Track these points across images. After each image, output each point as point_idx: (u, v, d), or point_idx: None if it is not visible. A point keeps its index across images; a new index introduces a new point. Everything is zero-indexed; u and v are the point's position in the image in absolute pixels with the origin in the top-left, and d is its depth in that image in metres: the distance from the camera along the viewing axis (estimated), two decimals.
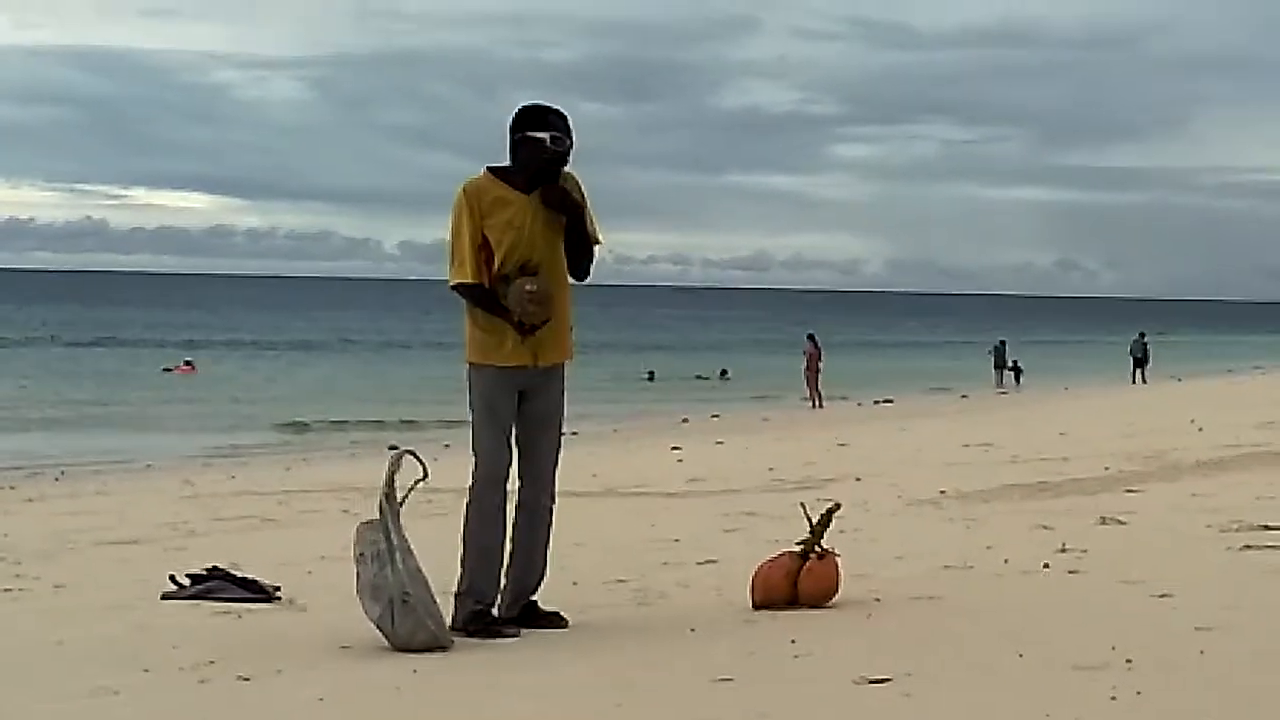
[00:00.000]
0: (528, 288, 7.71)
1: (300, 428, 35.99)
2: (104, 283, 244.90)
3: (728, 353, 74.97)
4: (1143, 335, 58.30)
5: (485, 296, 7.81)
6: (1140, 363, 56.21)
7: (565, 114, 7.93)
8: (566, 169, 7.93)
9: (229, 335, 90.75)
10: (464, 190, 7.82)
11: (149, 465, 26.69)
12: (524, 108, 7.91)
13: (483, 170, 7.91)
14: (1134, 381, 54.65)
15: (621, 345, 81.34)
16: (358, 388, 51.15)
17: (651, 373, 60.74)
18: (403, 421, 34.51)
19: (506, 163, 7.89)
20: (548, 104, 7.94)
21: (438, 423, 31.20)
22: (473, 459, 7.87)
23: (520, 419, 7.89)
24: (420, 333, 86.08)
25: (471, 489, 7.84)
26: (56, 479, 23.97)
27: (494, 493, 7.80)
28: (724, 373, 59.71)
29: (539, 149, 7.80)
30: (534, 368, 7.84)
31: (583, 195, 7.97)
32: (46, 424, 37.33)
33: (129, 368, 60.88)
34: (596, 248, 8.04)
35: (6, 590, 10.21)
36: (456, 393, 7.99)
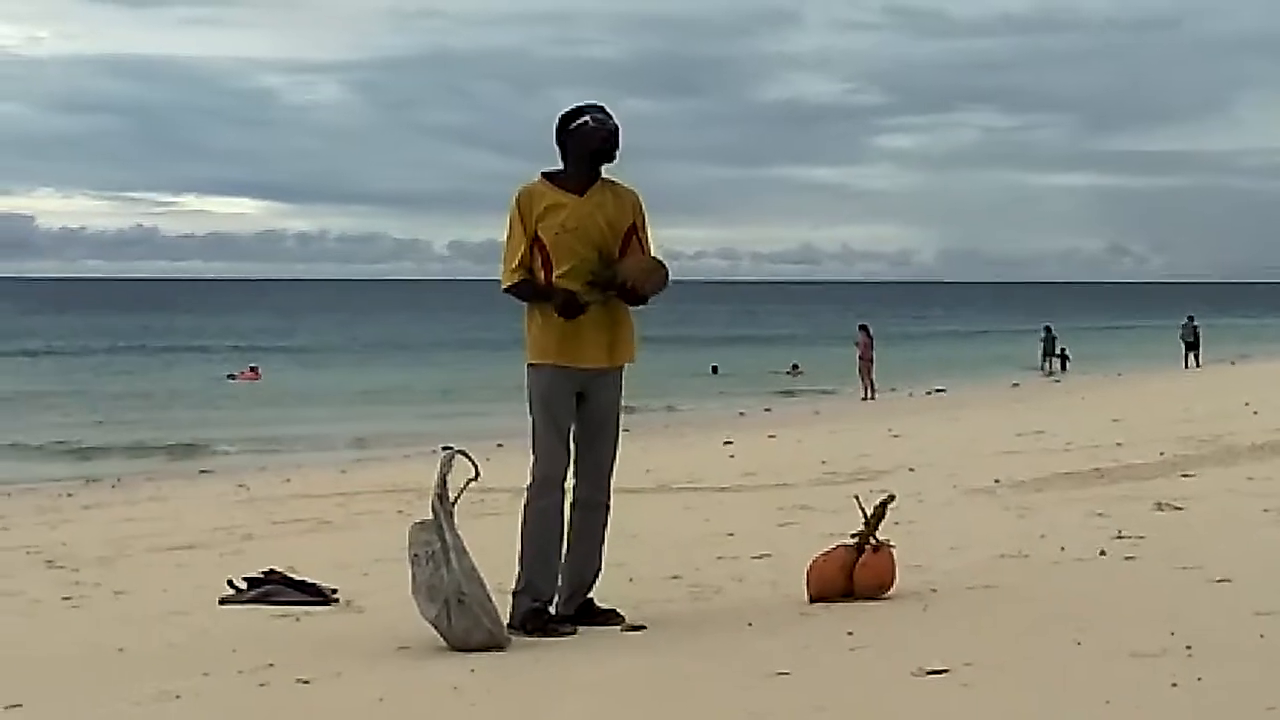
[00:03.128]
0: (646, 265, 7.82)
1: (359, 435, 35.94)
2: (157, 290, 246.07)
3: (795, 346, 74.46)
4: (1192, 319, 57.89)
5: (531, 288, 7.85)
6: (1192, 346, 55.90)
7: (603, 106, 7.97)
8: (628, 186, 7.97)
9: (287, 340, 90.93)
10: (517, 197, 7.88)
11: (203, 471, 26.82)
12: (561, 113, 7.97)
13: (538, 176, 7.95)
14: (1186, 366, 54.40)
15: (691, 340, 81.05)
16: (417, 389, 51.24)
17: (715, 366, 60.73)
18: (463, 424, 34.51)
19: (559, 167, 7.94)
20: (583, 102, 7.99)
21: (494, 423, 31.24)
22: (531, 458, 7.90)
23: (579, 418, 7.91)
24: (474, 332, 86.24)
25: (529, 488, 7.87)
26: (113, 486, 24.11)
27: (552, 492, 7.83)
28: (795, 367, 59.37)
29: (586, 134, 7.84)
30: (595, 368, 7.86)
31: (641, 212, 8.00)
32: (106, 433, 37.47)
33: (190, 374, 60.92)
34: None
35: (66, 598, 10.29)
36: (514, 390, 8.00)
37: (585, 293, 7.80)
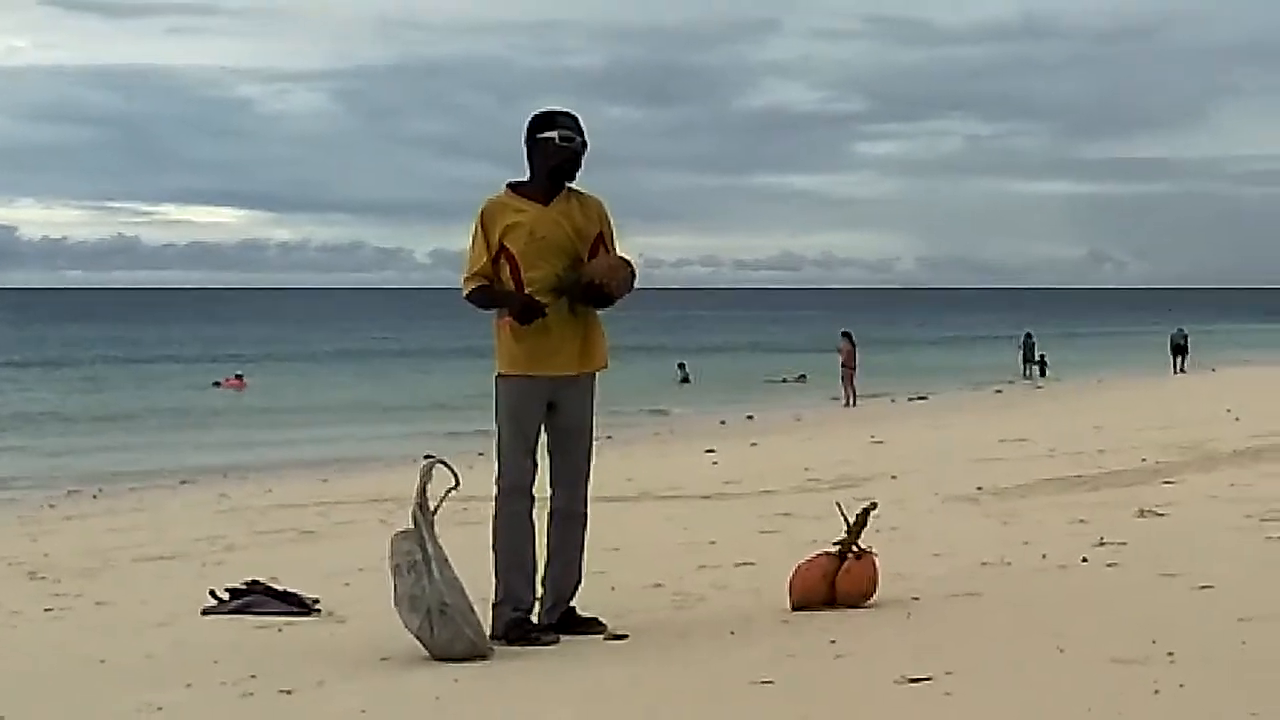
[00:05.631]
0: (610, 261, 7.83)
1: (341, 444, 35.85)
2: (138, 299, 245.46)
3: (793, 355, 74.01)
4: (1182, 330, 59.17)
5: (489, 294, 7.87)
6: (1181, 350, 57.16)
7: (575, 115, 7.98)
8: (594, 194, 7.98)
9: (271, 349, 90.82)
10: (481, 210, 7.90)
11: (184, 481, 26.77)
12: (533, 115, 7.97)
13: (503, 187, 7.96)
14: (1174, 371, 55.09)
15: (685, 349, 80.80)
16: (401, 397, 51.18)
17: (685, 375, 60.03)
18: (448, 434, 34.47)
19: (526, 176, 7.95)
20: (557, 108, 7.99)
21: (476, 431, 31.19)
22: (495, 469, 7.90)
23: (551, 427, 7.91)
24: (456, 340, 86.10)
25: (496, 499, 7.87)
26: (95, 496, 24.04)
27: (519, 502, 7.82)
28: (802, 377, 58.99)
29: (549, 149, 7.85)
30: (564, 376, 7.86)
31: (607, 220, 8.01)
32: (88, 442, 37.38)
33: (174, 383, 60.81)
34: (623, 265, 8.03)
35: (48, 610, 10.26)
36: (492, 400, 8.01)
37: (548, 299, 7.79)
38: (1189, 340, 58.18)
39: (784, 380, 57.86)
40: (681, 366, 60.57)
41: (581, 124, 7.95)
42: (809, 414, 39.86)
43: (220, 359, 76.51)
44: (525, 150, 7.94)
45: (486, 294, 7.89)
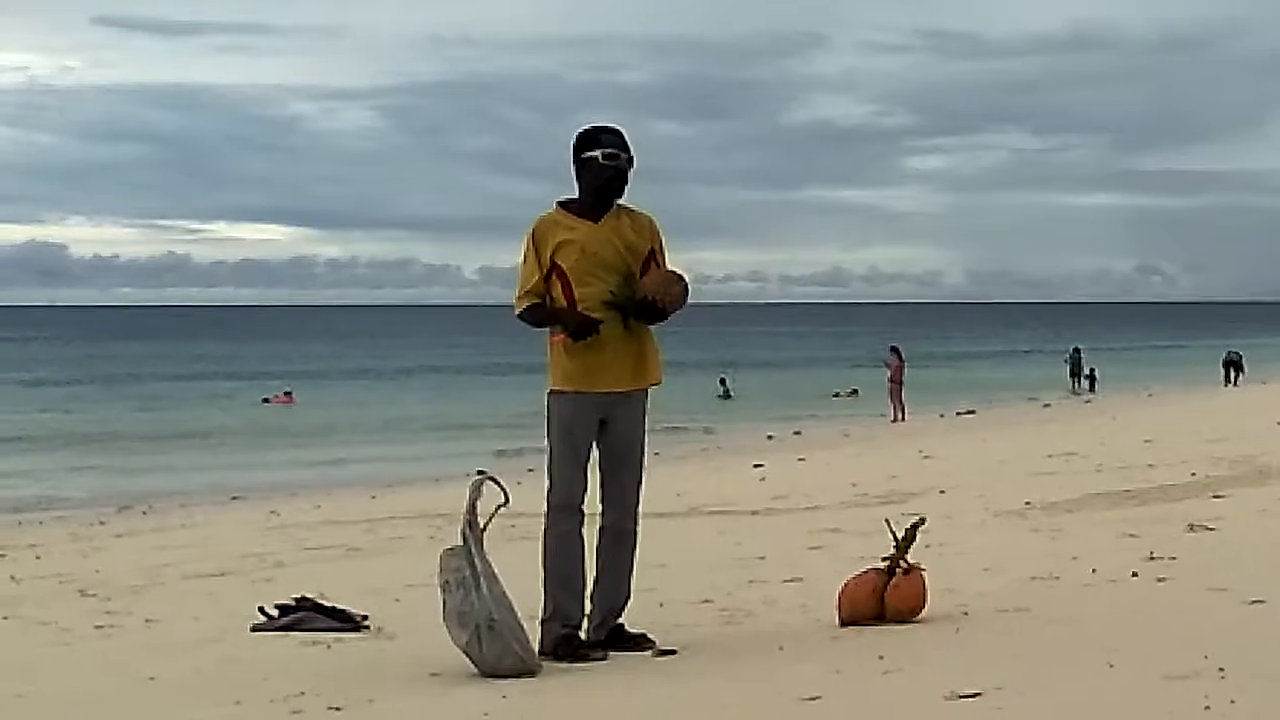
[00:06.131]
0: (664, 276, 7.86)
1: (391, 461, 35.87)
2: (189, 317, 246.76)
3: (841, 370, 73.67)
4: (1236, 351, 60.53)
5: (542, 312, 7.91)
6: (1237, 367, 58.07)
7: (620, 131, 8.00)
8: (645, 210, 7.99)
9: (321, 365, 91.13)
10: (533, 228, 7.93)
11: (234, 497, 26.87)
12: (578, 133, 7.98)
13: (554, 205, 7.99)
14: (1227, 384, 55.35)
15: (730, 364, 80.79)
16: (450, 413, 51.28)
17: (726, 390, 59.74)
18: (496, 451, 34.53)
19: (574, 195, 7.97)
20: (602, 124, 8.01)
21: (526, 448, 31.23)
22: (547, 484, 7.91)
23: (602, 444, 7.92)
24: (505, 356, 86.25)
25: (547, 515, 7.89)
26: (145, 512, 24.17)
27: (569, 519, 7.84)
28: (855, 391, 58.84)
29: (594, 167, 7.87)
30: (617, 393, 7.87)
31: (659, 236, 8.03)
32: (139, 459, 37.57)
33: (224, 400, 61.08)
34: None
35: (99, 626, 10.31)
36: (544, 416, 8.03)
37: (601, 314, 7.81)
38: (1244, 359, 58.94)
39: (837, 395, 57.84)
40: (723, 382, 60.43)
41: (627, 139, 7.97)
42: (857, 429, 39.78)
43: (270, 375, 76.76)
44: (573, 169, 7.96)
45: (540, 312, 7.91)
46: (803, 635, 8.01)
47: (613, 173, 7.89)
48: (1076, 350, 61.69)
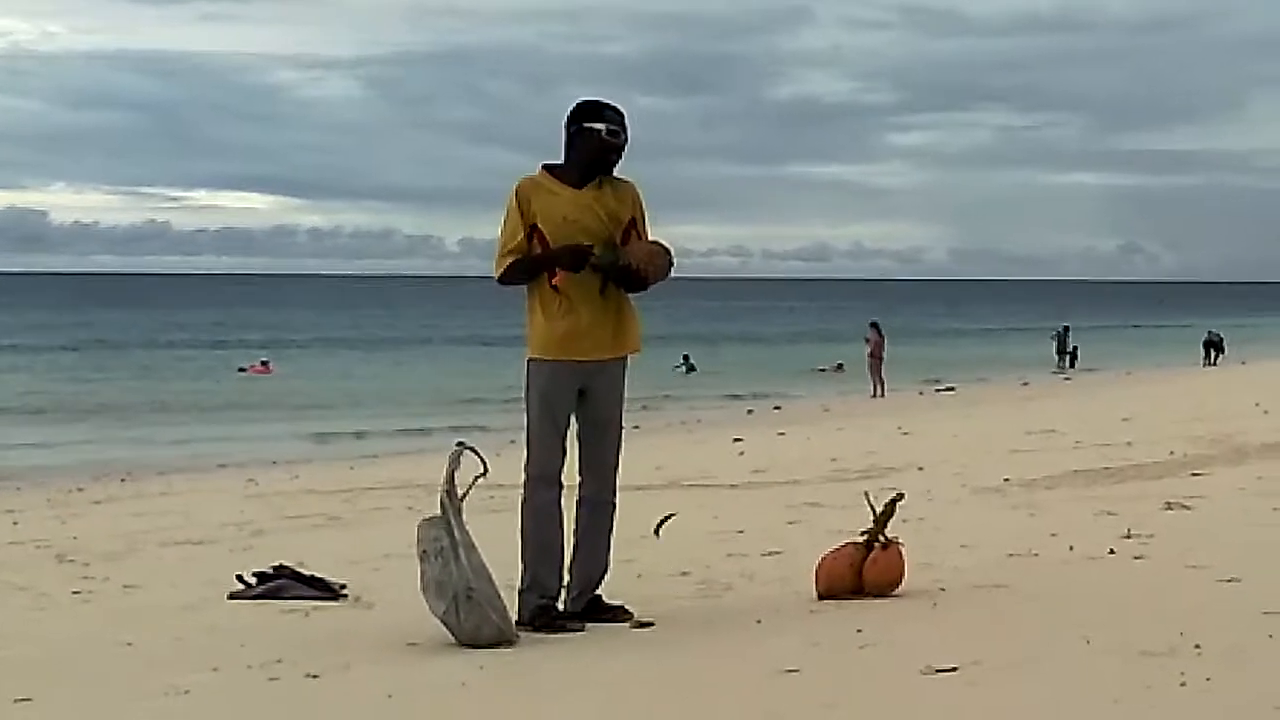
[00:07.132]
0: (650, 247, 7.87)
1: (368, 430, 35.77)
2: (169, 284, 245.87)
3: (825, 345, 73.57)
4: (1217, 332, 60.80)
5: (528, 261, 7.84)
6: (1217, 348, 58.10)
7: (622, 110, 7.97)
8: (626, 178, 7.98)
9: (300, 334, 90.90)
10: (516, 188, 7.89)
11: (218, 465, 26.82)
12: (581, 101, 7.96)
13: (539, 168, 7.96)
14: (1206, 363, 56.03)
15: (708, 338, 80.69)
16: (427, 383, 51.19)
17: (689, 365, 59.25)
18: (476, 423, 34.48)
19: (562, 160, 7.94)
20: (604, 100, 7.99)
21: (505, 418, 31.20)
22: (525, 454, 7.90)
23: (581, 414, 7.91)
24: (485, 328, 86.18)
25: (524, 485, 7.88)
26: (123, 480, 24.11)
27: (547, 489, 7.84)
28: (840, 366, 58.79)
29: (594, 139, 7.84)
30: (596, 362, 7.86)
31: (640, 205, 8.01)
32: (115, 425, 37.52)
33: (201, 368, 60.92)
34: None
35: (76, 592, 10.30)
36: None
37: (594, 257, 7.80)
38: (1224, 340, 59.17)
39: (823, 370, 57.81)
40: (686, 358, 59.97)
41: (626, 119, 7.96)
42: (837, 404, 39.78)
43: (247, 344, 76.55)
44: (566, 135, 7.93)
45: (524, 263, 7.85)
46: (781, 608, 8.02)
47: (613, 148, 7.88)
48: (1066, 328, 62.01)
